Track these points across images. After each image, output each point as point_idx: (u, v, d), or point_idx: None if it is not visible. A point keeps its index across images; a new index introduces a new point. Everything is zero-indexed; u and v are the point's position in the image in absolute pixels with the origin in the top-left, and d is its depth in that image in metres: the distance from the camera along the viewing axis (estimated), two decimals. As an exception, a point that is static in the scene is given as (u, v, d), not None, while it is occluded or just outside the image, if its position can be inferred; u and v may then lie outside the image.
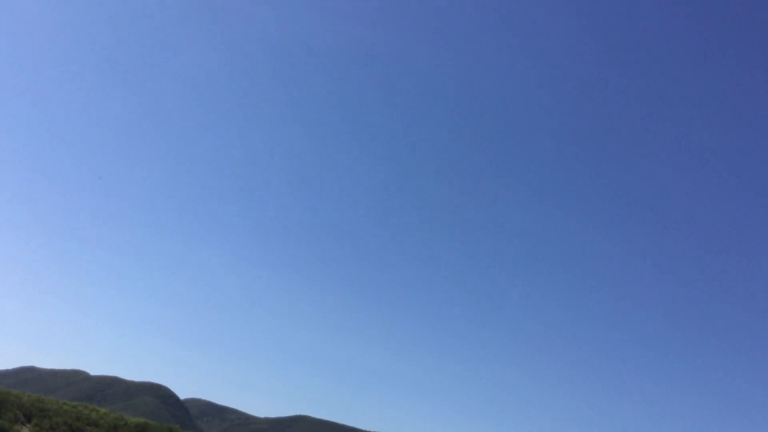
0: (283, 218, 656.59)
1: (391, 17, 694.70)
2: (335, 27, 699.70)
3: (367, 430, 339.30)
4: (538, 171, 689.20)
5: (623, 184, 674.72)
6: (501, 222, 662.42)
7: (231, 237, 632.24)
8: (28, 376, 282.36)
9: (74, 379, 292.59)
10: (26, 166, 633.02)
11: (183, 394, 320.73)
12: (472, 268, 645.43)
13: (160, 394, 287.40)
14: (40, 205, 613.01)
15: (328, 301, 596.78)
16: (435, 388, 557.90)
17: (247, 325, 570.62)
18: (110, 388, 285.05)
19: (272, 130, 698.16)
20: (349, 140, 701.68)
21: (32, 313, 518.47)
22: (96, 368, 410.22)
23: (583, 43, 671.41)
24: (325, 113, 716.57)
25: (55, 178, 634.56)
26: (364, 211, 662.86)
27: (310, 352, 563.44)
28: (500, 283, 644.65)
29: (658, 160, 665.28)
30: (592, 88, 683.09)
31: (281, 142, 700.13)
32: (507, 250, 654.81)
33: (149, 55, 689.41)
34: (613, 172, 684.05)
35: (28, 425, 48.03)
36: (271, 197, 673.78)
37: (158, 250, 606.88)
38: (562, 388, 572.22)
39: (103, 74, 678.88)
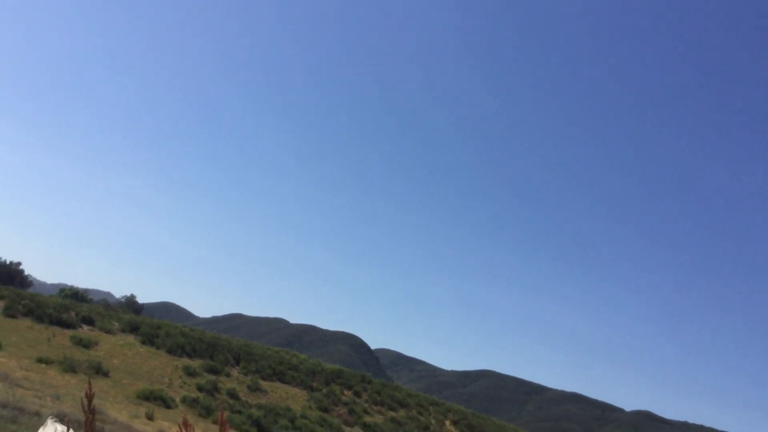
0: (475, 180, 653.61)
1: None
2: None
3: (554, 387, 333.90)
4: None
5: None
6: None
7: (425, 198, 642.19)
8: (236, 322, 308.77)
9: (276, 326, 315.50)
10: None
11: (374, 344, 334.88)
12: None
13: (352, 343, 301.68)
14: (247, 174, 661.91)
15: (518, 260, 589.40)
16: (639, 352, 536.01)
17: (435, 282, 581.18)
18: (307, 335, 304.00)
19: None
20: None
21: (241, 265, 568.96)
22: (295, 317, 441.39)
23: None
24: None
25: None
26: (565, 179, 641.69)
27: (497, 309, 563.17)
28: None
29: None
30: None
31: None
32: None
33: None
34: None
35: (236, 367, 50.53)
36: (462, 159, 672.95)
37: (350, 209, 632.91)
38: None
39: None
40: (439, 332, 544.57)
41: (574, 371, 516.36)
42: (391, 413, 53.54)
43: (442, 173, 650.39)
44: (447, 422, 58.20)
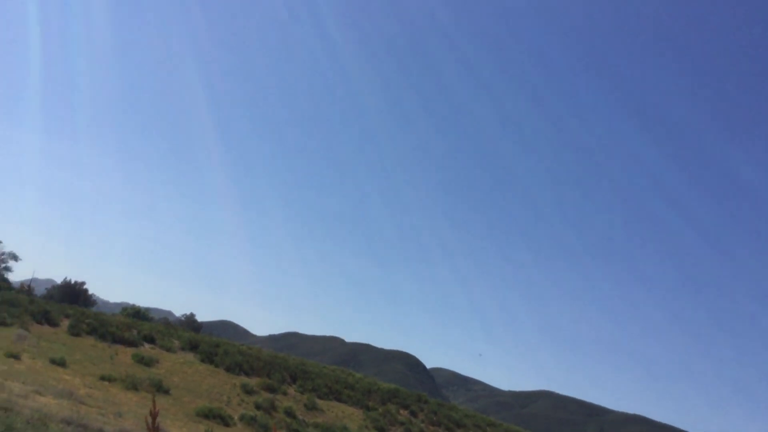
0: (543, 199, 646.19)
1: None
2: None
3: (615, 409, 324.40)
4: None
5: None
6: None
7: (479, 222, 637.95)
8: (292, 340, 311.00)
9: (331, 344, 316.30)
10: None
11: (429, 363, 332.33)
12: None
13: (408, 362, 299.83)
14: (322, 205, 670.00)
15: (577, 279, 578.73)
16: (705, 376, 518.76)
17: (491, 301, 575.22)
18: (363, 354, 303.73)
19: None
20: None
21: (298, 284, 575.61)
22: (350, 335, 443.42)
23: None
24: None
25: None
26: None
27: (555, 328, 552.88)
28: None
29: None
30: None
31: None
32: None
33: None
34: None
35: (293, 385, 50.65)
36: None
37: (403, 229, 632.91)
38: None
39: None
40: (495, 351, 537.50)
41: (637, 392, 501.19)
42: (449, 434, 52.70)
43: (504, 190, 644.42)
44: (506, 444, 56.95)
